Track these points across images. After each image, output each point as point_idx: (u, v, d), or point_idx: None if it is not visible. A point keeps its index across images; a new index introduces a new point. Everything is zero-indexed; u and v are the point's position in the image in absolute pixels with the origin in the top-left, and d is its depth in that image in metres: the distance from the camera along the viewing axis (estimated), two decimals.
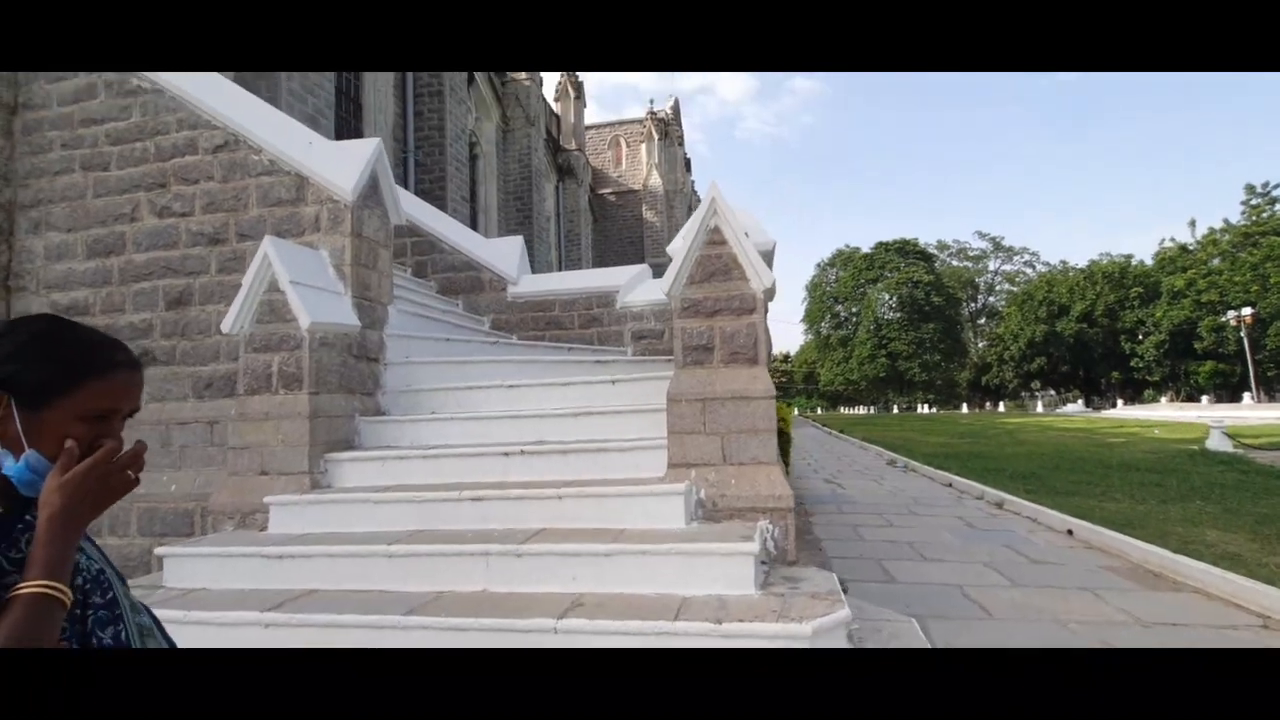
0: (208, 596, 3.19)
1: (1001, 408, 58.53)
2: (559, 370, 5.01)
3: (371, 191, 4.78)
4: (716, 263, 3.48)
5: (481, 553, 3.03)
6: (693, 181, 37.39)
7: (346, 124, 12.81)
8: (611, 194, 28.43)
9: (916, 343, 56.28)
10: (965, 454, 14.82)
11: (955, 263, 72.18)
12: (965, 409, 57.06)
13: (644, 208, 27.86)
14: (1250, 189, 50.09)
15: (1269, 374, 41.58)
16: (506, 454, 3.84)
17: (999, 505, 8.01)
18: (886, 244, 62.46)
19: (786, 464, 8.40)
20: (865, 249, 64.15)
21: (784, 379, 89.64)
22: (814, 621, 2.45)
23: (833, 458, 15.32)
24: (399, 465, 3.98)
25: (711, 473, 3.37)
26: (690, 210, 33.68)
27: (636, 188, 28.15)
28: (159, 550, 3.46)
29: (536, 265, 19.77)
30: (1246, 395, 36.64)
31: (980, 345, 67.28)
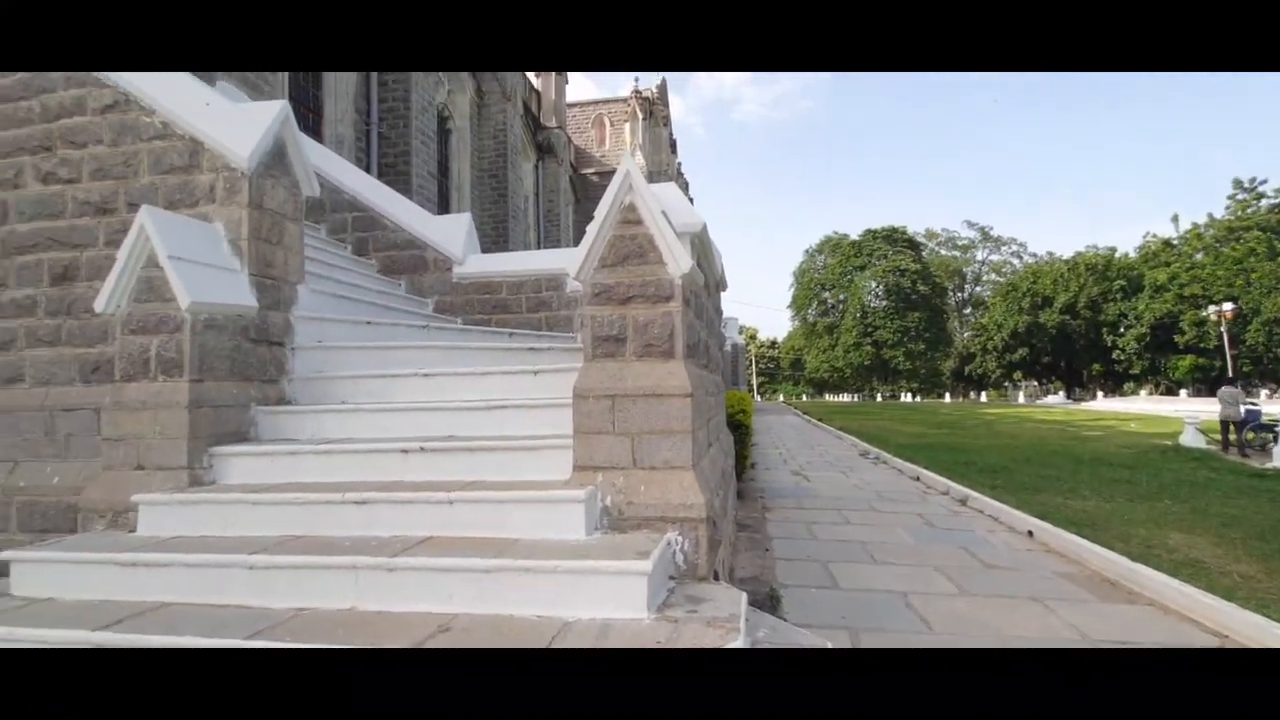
0: (48, 610, 2.84)
1: (984, 398, 58.84)
2: (485, 358, 4.65)
3: (276, 159, 4.37)
4: (631, 244, 3.13)
5: (350, 565, 2.69)
6: (679, 163, 36.88)
7: (305, 92, 12.25)
8: (594, 174, 27.87)
9: (902, 331, 56.26)
10: (939, 445, 14.65)
11: (944, 252, 72.15)
12: (948, 398, 57.28)
13: None
14: (1238, 183, 50.24)
15: (1246, 369, 41.88)
16: (405, 451, 3.49)
17: (963, 502, 7.78)
18: (875, 231, 62.18)
19: (744, 461, 8.13)
20: (854, 236, 63.91)
21: (771, 365, 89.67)
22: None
23: (806, 448, 15.10)
24: (290, 462, 3.62)
25: (620, 477, 3.04)
26: None
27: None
28: (3, 555, 3.10)
29: (513, 245, 19.26)
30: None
31: (965, 335, 67.44)
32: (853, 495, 8.29)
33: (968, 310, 70.88)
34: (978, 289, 71.67)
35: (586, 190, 28.04)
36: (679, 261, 3.10)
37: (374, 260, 6.99)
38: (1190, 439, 14.09)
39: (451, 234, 7.03)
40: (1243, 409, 13.35)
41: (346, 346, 4.58)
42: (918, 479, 9.81)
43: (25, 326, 4.46)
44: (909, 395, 60.35)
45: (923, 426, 20.96)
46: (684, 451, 3.02)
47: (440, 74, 17.31)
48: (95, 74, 4.42)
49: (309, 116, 12.20)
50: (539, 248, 22.60)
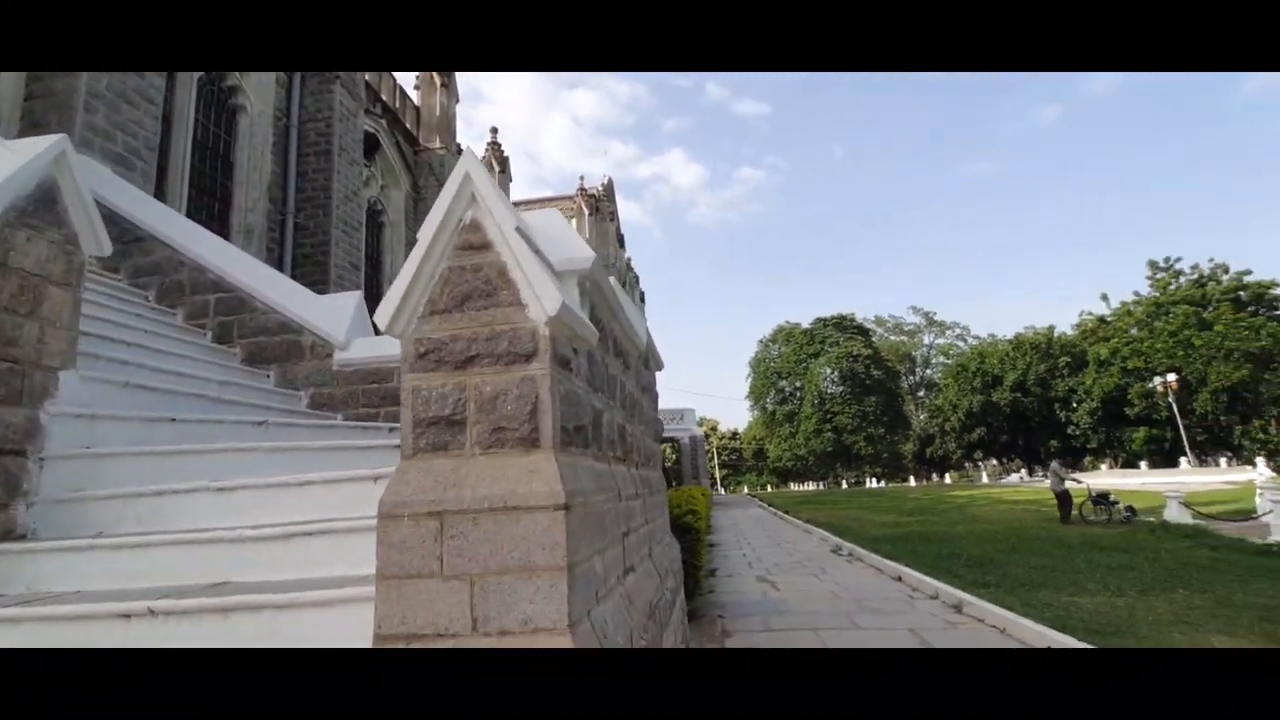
0: None
1: (948, 479, 58.38)
2: (328, 461, 3.43)
3: (40, 206, 3.27)
4: (473, 278, 2.07)
5: None
6: (628, 258, 37.11)
7: (211, 179, 11.32)
8: None
9: (860, 415, 56.22)
10: (916, 536, 13.50)
11: (892, 337, 73.95)
12: (913, 481, 56.62)
13: None
14: (1153, 264, 53.32)
15: (1199, 438, 42.57)
16: (128, 616, 2.20)
17: (957, 608, 6.57)
18: (825, 319, 63.51)
19: (696, 571, 6.81)
20: (806, 324, 65.06)
21: (734, 456, 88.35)
22: None
23: (774, 545, 13.74)
24: None
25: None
26: (624, 285, 33.04)
27: None
28: None
29: None
30: (1183, 460, 37.12)
31: (922, 417, 67.92)
32: (829, 606, 6.99)
33: (921, 393, 71.83)
34: (928, 371, 73.06)
35: None
36: (545, 301, 2.03)
37: (237, 348, 5.78)
38: (1175, 514, 13.29)
39: (336, 315, 5.91)
40: (1067, 483, 15.12)
41: (126, 453, 3.31)
42: (900, 579, 8.57)
43: None
44: (873, 480, 59.50)
45: (894, 515, 19.83)
46: (557, 600, 1.83)
47: (374, 169, 16.78)
48: None
49: (213, 205, 11.23)
50: None
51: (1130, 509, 14.33)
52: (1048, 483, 16.91)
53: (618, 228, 31.95)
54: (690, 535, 6.20)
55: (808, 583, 8.65)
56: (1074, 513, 14.47)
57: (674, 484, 29.54)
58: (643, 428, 4.36)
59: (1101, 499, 14.56)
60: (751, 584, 8.75)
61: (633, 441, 3.75)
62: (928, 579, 7.79)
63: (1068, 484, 15.13)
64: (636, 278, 41.61)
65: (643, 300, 44.07)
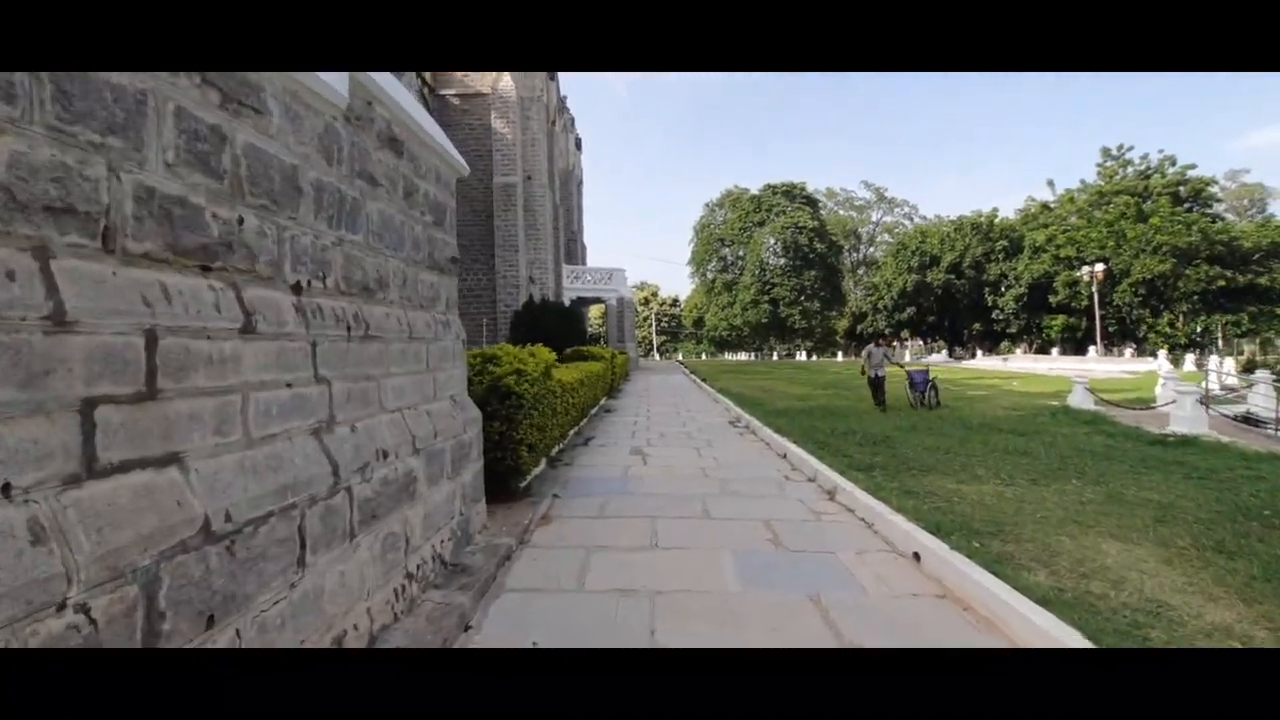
0: None
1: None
2: None
3: None
4: None
5: None
6: (563, 97, 33.29)
7: None
8: (455, 96, 24.02)
9: (798, 289, 56.00)
10: (820, 410, 12.91)
11: (841, 211, 72.54)
12: (840, 357, 57.98)
13: (493, 115, 23.70)
14: (1106, 151, 52.60)
15: (1111, 329, 44.23)
16: None
17: (831, 495, 5.70)
18: (775, 186, 61.22)
19: (516, 446, 5.59)
20: (755, 191, 62.66)
21: (673, 323, 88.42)
22: None
23: (673, 413, 12.96)
24: None
25: None
26: (552, 123, 29.75)
27: (485, 90, 23.90)
28: None
29: None
30: (1091, 349, 38.55)
31: (859, 294, 68.51)
32: (689, 488, 6.04)
33: (861, 270, 71.95)
34: (871, 249, 72.81)
35: (448, 115, 24.23)
36: None
37: None
38: (1079, 400, 13.05)
39: None
40: (880, 371, 13.03)
41: None
42: (784, 456, 7.76)
43: None
44: (804, 354, 60.66)
45: (809, 387, 19.50)
46: None
47: None
48: None
49: None
50: None
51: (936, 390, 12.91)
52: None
53: None
54: (510, 400, 4.92)
55: (683, 457, 7.74)
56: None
57: (603, 345, 28.62)
58: (358, 238, 2.84)
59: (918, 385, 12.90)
60: (621, 456, 7.78)
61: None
62: (810, 458, 6.93)
63: (888, 367, 13.19)
64: (572, 119, 37.84)
65: (579, 147, 40.47)
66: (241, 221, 2.02)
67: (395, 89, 3.15)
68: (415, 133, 3.44)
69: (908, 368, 13.32)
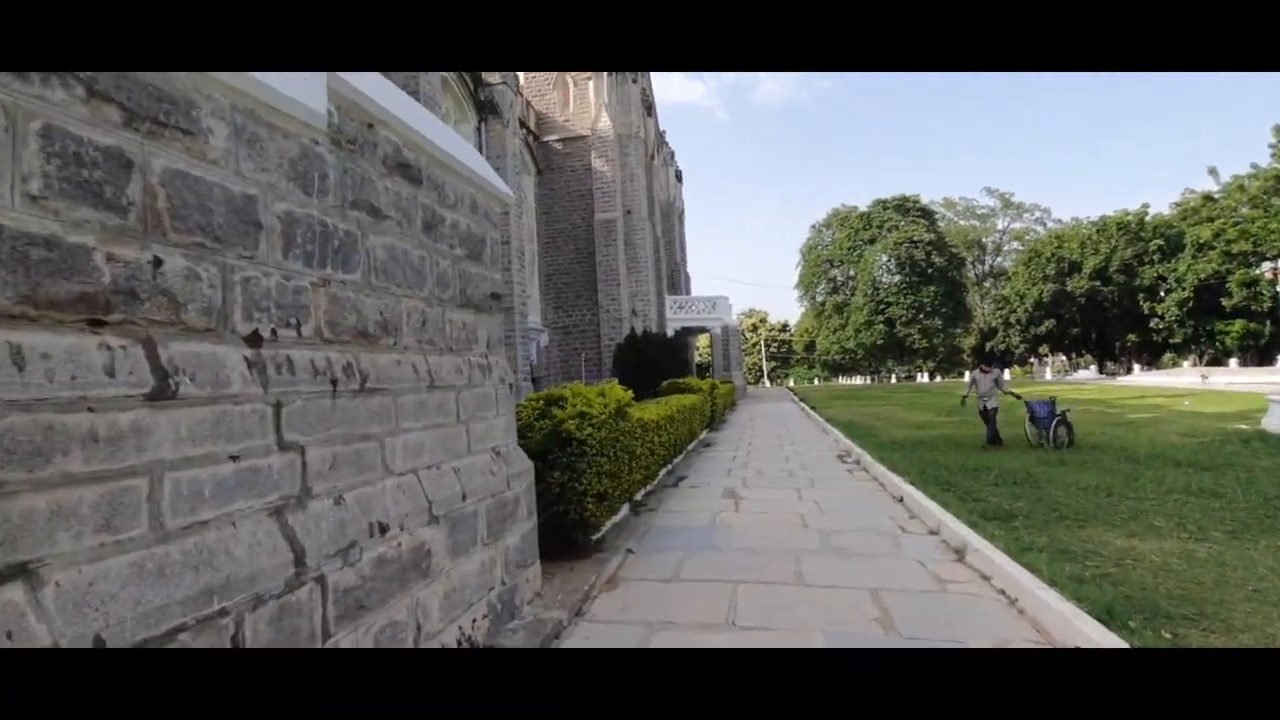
0: None
1: (1007, 375, 54.92)
2: None
3: None
4: None
5: None
6: (661, 131, 33.46)
7: None
8: (558, 140, 24.68)
9: (916, 307, 52.53)
10: (943, 441, 11.50)
11: (961, 221, 67.74)
12: (967, 377, 53.48)
13: (593, 155, 24.08)
14: (1278, 130, 45.55)
15: None
16: None
17: (959, 554, 4.71)
18: (885, 201, 58.29)
19: (581, 497, 5.01)
20: (864, 207, 59.99)
21: (784, 349, 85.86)
22: None
23: (776, 446, 12.03)
24: None
25: None
26: (650, 157, 29.90)
27: (585, 133, 24.39)
28: None
29: None
30: None
31: (986, 309, 63.19)
32: (784, 541, 5.24)
33: (988, 283, 66.40)
34: (999, 260, 67.16)
35: (550, 159, 24.98)
36: None
37: None
38: (1277, 422, 10.74)
39: None
40: (991, 402, 10.69)
41: None
42: (900, 500, 6.73)
43: None
44: (926, 375, 56.50)
45: (930, 413, 17.74)
46: None
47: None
48: None
49: None
50: None
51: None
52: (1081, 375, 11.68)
53: (643, 89, 28.40)
54: (571, 448, 4.43)
55: (781, 501, 6.91)
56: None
57: (709, 374, 27.97)
58: (358, 277, 2.46)
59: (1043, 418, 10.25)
60: (711, 500, 7.08)
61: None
62: (932, 505, 5.90)
63: (999, 397, 10.82)
64: (672, 153, 37.99)
65: (679, 179, 40.53)
66: (158, 263, 1.65)
67: (405, 108, 2.80)
68: (436, 157, 3.08)
69: (1026, 399, 10.60)
